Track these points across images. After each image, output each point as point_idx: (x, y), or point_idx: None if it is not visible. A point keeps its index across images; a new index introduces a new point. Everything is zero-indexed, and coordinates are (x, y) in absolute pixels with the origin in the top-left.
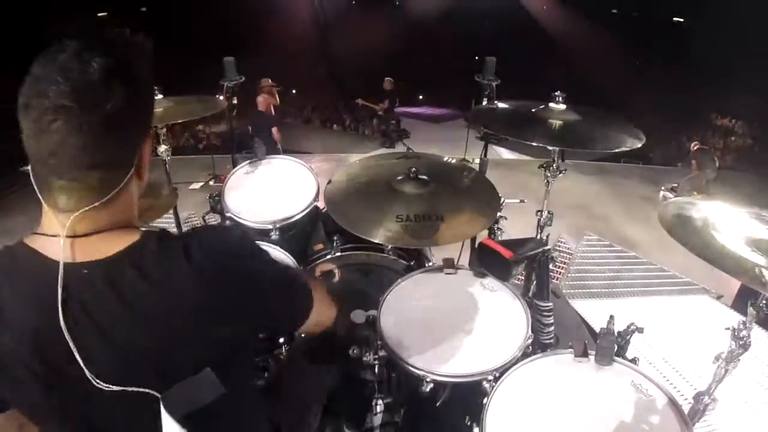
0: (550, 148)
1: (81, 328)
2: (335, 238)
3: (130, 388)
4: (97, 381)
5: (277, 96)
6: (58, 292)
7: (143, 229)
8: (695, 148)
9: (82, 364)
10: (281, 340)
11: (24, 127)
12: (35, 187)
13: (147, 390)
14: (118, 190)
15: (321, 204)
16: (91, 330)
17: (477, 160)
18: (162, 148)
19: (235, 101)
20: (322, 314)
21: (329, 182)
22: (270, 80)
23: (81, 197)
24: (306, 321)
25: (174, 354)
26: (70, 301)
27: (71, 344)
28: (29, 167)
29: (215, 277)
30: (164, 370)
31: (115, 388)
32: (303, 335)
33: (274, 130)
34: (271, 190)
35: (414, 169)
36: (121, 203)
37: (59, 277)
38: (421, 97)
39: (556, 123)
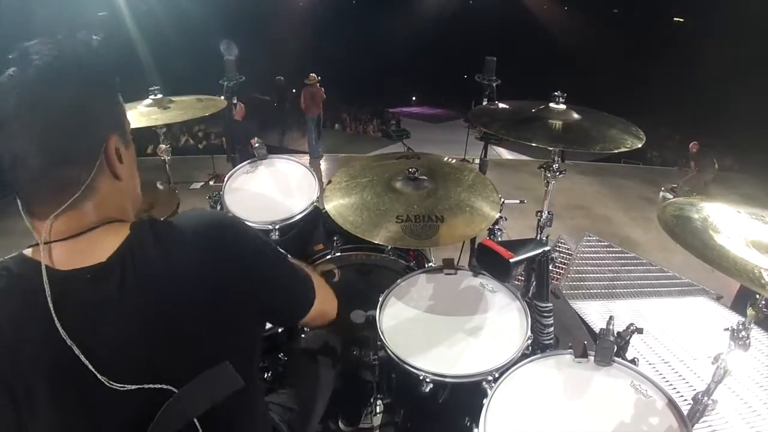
0: (550, 148)
1: (84, 332)
2: (335, 238)
3: (146, 386)
4: (110, 382)
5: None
6: (48, 299)
7: (132, 222)
8: (694, 149)
9: (90, 367)
10: (283, 338)
11: None
12: (20, 206)
13: (164, 386)
14: (85, 188)
15: (321, 204)
16: (97, 334)
17: (477, 161)
18: (162, 148)
19: (235, 101)
20: (325, 304)
21: (329, 182)
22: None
23: (51, 200)
24: (311, 307)
25: (187, 345)
26: (69, 306)
27: (75, 349)
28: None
29: (214, 252)
30: (178, 366)
31: (130, 387)
32: (306, 331)
33: (253, 141)
34: (272, 191)
35: (414, 169)
36: (99, 202)
37: (44, 282)
38: (414, 98)
39: (556, 123)
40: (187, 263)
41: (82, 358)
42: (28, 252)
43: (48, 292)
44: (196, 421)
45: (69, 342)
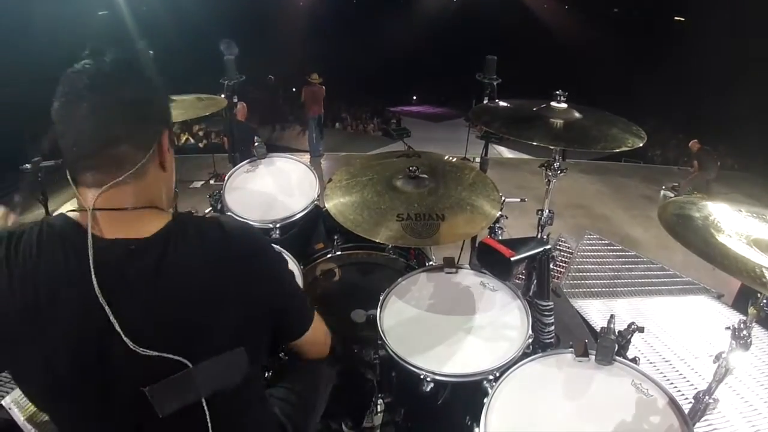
0: (551, 147)
1: (118, 297)
2: (336, 237)
3: (165, 354)
4: (134, 345)
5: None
6: (90, 261)
7: (174, 212)
8: (696, 148)
9: (117, 326)
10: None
11: (57, 120)
12: (68, 176)
13: (180, 358)
14: (138, 168)
15: (321, 203)
16: (129, 300)
17: (478, 159)
18: None
19: (235, 100)
20: (319, 333)
21: (330, 181)
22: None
23: (105, 172)
24: (309, 329)
25: (207, 329)
26: (107, 272)
27: (107, 309)
28: (52, 162)
29: (247, 255)
30: (198, 345)
31: (150, 352)
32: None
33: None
34: (272, 189)
35: (414, 168)
36: (144, 185)
37: (89, 243)
38: (415, 97)
39: (557, 122)
40: (219, 256)
41: (111, 317)
42: (71, 214)
43: (90, 252)
44: (203, 401)
45: (101, 300)
